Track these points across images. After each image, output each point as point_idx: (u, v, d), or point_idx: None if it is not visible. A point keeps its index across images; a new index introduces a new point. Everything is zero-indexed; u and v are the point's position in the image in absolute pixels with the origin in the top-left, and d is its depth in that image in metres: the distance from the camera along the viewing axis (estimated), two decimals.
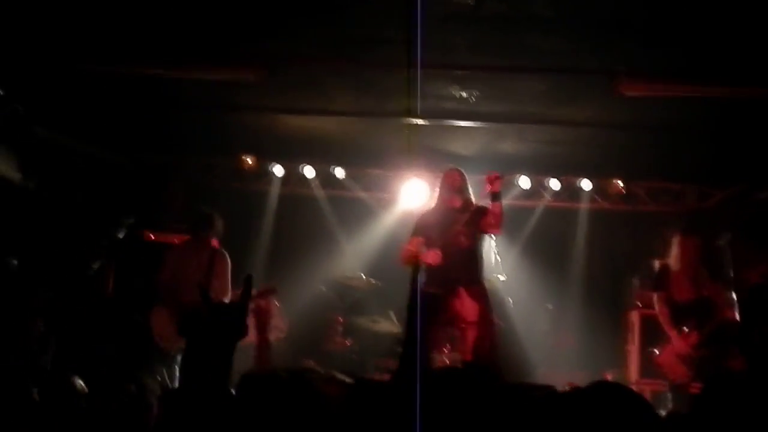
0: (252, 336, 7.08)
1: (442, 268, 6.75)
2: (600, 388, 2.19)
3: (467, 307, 6.75)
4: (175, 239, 8.89)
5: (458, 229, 6.83)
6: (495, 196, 6.76)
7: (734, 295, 7.53)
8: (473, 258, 6.92)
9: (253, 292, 3.30)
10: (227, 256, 8.00)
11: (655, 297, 7.76)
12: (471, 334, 6.74)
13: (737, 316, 7.39)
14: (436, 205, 7.11)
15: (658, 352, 7.63)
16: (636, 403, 2.13)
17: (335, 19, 6.13)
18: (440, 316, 6.80)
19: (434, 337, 7.23)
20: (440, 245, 6.80)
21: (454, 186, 6.98)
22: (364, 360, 9.32)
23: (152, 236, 9.41)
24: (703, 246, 7.61)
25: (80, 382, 4.10)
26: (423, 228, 6.98)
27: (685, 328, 7.38)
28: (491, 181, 6.72)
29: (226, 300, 7.30)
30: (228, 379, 2.69)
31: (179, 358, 7.17)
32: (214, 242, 8.23)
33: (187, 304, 7.24)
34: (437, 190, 7.14)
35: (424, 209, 7.40)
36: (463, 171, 7.12)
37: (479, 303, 6.77)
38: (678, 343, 7.40)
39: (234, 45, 6.78)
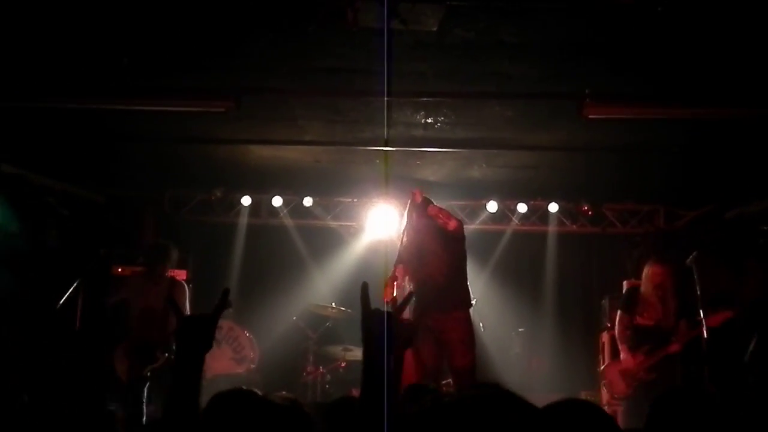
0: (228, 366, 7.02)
1: (420, 295, 6.71)
2: (567, 406, 2.17)
3: (446, 333, 6.69)
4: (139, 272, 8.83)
5: (431, 253, 6.79)
6: (426, 202, 6.73)
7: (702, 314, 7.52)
8: (451, 283, 6.79)
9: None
10: (185, 285, 8.05)
11: (618, 316, 7.86)
12: (455, 361, 6.72)
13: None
14: (408, 233, 6.90)
15: (603, 365, 7.78)
16: (602, 420, 2.12)
17: (305, 50, 6.13)
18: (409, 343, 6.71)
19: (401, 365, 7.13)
20: (418, 272, 6.78)
21: (416, 211, 6.80)
22: (338, 390, 9.25)
23: (119, 270, 9.31)
24: (675, 273, 7.60)
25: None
26: (402, 256, 6.83)
27: (638, 352, 7.50)
28: (414, 196, 6.73)
29: None
30: (196, 396, 2.57)
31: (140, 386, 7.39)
32: (175, 273, 8.24)
33: (146, 339, 7.43)
34: (406, 218, 6.95)
35: (403, 238, 7.04)
36: (419, 192, 6.86)
37: (460, 330, 6.69)
38: (627, 360, 7.57)
39: (204, 76, 6.75)
